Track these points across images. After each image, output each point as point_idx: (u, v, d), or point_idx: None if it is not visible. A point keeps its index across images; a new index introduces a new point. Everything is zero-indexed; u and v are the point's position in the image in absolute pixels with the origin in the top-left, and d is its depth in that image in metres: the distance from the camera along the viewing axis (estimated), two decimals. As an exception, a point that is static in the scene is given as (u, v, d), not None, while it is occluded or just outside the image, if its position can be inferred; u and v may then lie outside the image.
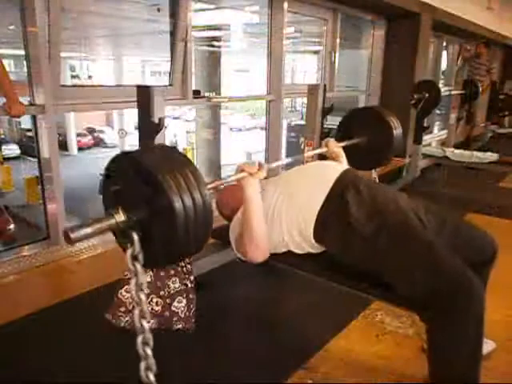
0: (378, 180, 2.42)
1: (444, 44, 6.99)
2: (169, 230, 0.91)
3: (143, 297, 0.97)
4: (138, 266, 0.96)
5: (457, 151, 4.06)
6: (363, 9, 4.68)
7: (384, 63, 5.21)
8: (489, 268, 1.46)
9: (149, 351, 1.00)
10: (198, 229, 0.94)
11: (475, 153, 3.94)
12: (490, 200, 3.61)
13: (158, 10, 4.03)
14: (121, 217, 0.93)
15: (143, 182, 0.91)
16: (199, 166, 6.14)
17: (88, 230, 0.91)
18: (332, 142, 1.99)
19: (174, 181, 0.90)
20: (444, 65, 7.49)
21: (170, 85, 2.91)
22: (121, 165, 0.98)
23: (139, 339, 0.98)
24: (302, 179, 1.61)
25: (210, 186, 1.25)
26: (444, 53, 7.27)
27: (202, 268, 1.91)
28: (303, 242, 1.51)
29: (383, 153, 2.23)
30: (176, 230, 0.90)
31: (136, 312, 0.97)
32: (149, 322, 0.97)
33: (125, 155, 0.98)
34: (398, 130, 2.18)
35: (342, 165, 1.64)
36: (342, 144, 2.06)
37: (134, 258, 0.96)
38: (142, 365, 1.01)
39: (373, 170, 2.46)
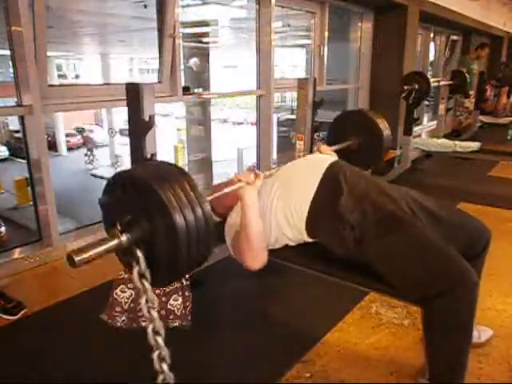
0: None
1: (432, 35, 7.03)
2: (171, 246, 0.90)
3: (155, 314, 0.94)
4: (147, 284, 0.93)
5: (439, 141, 4.07)
6: (351, 1, 4.68)
7: (372, 55, 5.22)
8: (483, 256, 1.47)
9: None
10: (200, 244, 0.92)
11: (457, 142, 3.96)
12: (480, 189, 3.65)
13: (145, 6, 3.99)
14: (124, 236, 0.91)
15: (143, 198, 0.89)
16: (191, 163, 6.09)
17: (92, 252, 0.89)
18: (324, 146, 2.01)
19: (174, 196, 0.88)
20: (432, 56, 7.53)
21: (159, 82, 2.89)
22: (117, 184, 0.97)
23: (155, 354, 0.95)
24: (295, 173, 1.61)
25: (208, 198, 1.22)
26: (432, 44, 7.30)
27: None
28: (294, 232, 1.51)
29: (374, 154, 2.30)
30: (178, 247, 0.89)
31: (149, 329, 0.94)
32: (160, 334, 0.95)
33: (119, 175, 0.97)
34: (386, 132, 2.26)
35: (334, 157, 1.65)
36: (334, 148, 2.09)
37: (142, 276, 0.93)
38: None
39: None
